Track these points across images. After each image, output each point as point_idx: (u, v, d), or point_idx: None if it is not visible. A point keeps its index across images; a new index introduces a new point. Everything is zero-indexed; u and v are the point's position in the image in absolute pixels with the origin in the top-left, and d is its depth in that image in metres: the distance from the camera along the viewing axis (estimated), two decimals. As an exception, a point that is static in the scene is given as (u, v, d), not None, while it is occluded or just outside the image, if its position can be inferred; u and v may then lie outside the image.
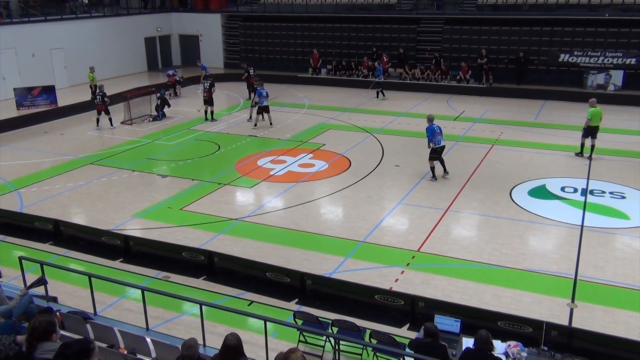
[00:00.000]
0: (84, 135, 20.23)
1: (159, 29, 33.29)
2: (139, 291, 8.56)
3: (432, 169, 15.02)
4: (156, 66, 33.36)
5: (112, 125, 20.99)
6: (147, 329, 8.39)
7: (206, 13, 34.14)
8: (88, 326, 7.46)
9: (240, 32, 32.80)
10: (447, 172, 15.18)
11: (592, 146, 16.48)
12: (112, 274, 10.14)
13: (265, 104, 20.34)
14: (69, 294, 9.76)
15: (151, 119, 22.02)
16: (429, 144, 14.79)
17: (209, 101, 21.65)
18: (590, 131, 16.41)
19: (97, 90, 20.82)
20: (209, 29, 33.59)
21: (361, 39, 29.78)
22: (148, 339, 7.19)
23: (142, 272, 10.65)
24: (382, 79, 25.63)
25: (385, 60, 28.28)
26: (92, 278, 8.68)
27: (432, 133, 14.66)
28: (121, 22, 30.87)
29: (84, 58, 27.92)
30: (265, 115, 20.69)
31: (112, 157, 17.55)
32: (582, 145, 16.77)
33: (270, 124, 20.83)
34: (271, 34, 31.95)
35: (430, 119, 14.89)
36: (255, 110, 20.93)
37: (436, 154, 14.89)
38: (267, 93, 20.50)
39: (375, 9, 30.54)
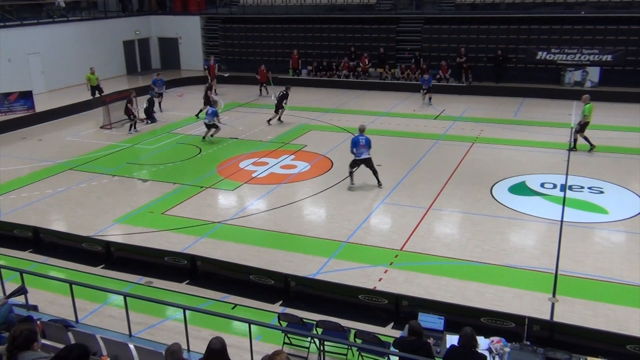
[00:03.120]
0: (62, 141, 19.99)
1: (137, 32, 33.03)
2: (121, 297, 8.48)
3: (350, 174, 14.64)
4: (135, 69, 33.11)
5: (136, 128, 20.98)
6: (130, 335, 8.31)
7: (185, 15, 33.92)
8: (69, 334, 7.35)
9: (220, 34, 32.68)
10: (380, 184, 14.63)
11: (575, 140, 17.28)
12: (93, 281, 10.03)
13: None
14: (50, 302, 9.63)
15: (147, 122, 21.93)
16: (351, 151, 14.44)
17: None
18: (585, 127, 16.94)
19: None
20: (188, 31, 33.43)
21: (341, 40, 29.85)
22: (131, 346, 7.12)
23: (124, 277, 10.55)
24: (430, 86, 23.75)
25: (365, 60, 28.39)
26: (73, 285, 8.58)
27: (354, 144, 14.29)
28: (99, 25, 30.57)
29: (61, 63, 27.69)
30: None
31: (91, 163, 17.36)
32: (576, 140, 17.31)
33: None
34: (251, 35, 31.90)
35: (360, 130, 14.59)
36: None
37: (356, 164, 14.48)
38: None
39: (354, 9, 30.62)
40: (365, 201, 13.89)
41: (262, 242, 11.81)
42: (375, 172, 14.61)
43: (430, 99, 23.80)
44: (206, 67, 28.34)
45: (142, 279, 10.49)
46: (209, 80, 25.68)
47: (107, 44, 30.81)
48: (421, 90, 23.79)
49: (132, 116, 20.86)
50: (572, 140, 17.57)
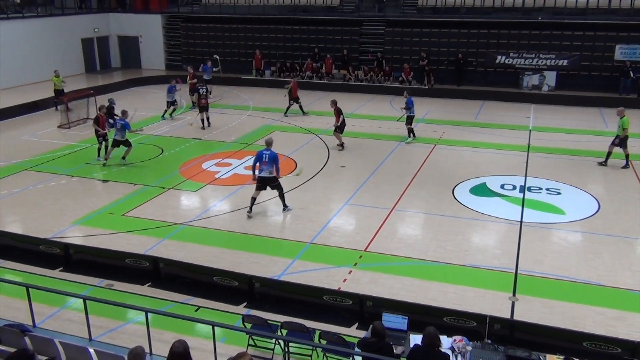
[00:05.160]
0: (18, 140, 19.39)
1: (96, 30, 32.32)
2: (81, 300, 8.27)
3: (252, 200, 12.93)
4: (94, 68, 32.40)
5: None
6: (90, 339, 8.12)
7: (146, 14, 33.43)
8: (26, 339, 7.13)
9: (182, 34, 32.30)
10: (285, 207, 13.16)
11: (627, 155, 16.14)
12: (51, 284, 9.77)
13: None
14: (6, 306, 9.31)
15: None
16: (252, 168, 13.20)
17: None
18: (626, 140, 16.03)
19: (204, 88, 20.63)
20: (149, 30, 32.91)
21: (304, 41, 29.87)
22: (91, 350, 6.96)
23: (84, 280, 10.30)
24: (414, 113, 19.13)
25: (328, 62, 28.49)
26: (29, 289, 8.33)
27: (256, 159, 12.80)
28: (56, 22, 29.78)
29: (16, 60, 26.85)
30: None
31: (49, 163, 16.90)
32: (610, 153, 16.30)
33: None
34: (213, 35, 31.62)
35: (267, 143, 12.84)
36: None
37: (259, 182, 12.88)
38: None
39: (317, 10, 30.68)
40: (329, 202, 13.93)
41: (226, 244, 11.72)
42: (280, 195, 13.06)
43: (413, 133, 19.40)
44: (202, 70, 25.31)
45: (103, 282, 10.26)
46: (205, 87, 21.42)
47: (65, 42, 30.04)
48: (402, 110, 19.21)
49: (100, 138, 16.85)
50: (608, 152, 16.37)
